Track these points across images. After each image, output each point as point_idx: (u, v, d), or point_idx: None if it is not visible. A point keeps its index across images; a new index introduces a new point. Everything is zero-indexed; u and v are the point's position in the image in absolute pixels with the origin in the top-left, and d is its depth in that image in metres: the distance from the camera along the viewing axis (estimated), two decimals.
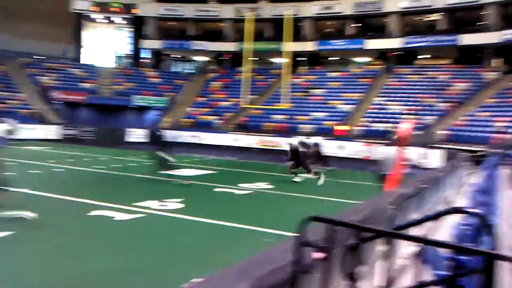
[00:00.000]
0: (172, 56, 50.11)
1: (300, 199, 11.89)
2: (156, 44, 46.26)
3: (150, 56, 47.98)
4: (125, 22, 47.69)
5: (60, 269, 5.65)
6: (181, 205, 9.91)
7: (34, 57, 41.03)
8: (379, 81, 36.87)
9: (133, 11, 46.06)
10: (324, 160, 17.08)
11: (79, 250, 6.50)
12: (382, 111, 32.56)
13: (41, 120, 32.60)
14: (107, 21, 47.72)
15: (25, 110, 32.59)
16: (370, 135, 28.83)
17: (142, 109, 38.61)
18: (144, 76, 42.95)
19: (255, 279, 1.91)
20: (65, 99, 36.18)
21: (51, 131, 31.15)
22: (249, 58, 34.29)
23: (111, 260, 6.12)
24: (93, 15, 46.88)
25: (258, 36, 37.62)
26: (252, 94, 35.88)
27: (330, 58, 44.17)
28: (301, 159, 15.27)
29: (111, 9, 46.24)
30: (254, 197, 11.99)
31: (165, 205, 9.75)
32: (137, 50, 47.62)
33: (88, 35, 47.85)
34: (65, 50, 46.85)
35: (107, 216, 8.55)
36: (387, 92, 35.01)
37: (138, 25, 46.85)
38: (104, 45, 48.30)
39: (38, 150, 22.62)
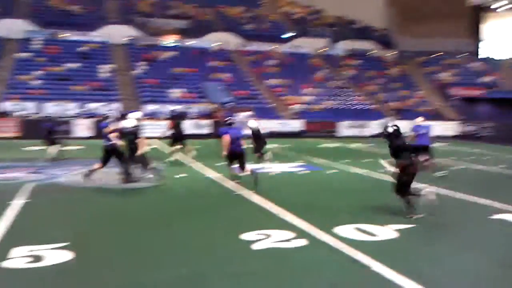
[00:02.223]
0: None
1: None
2: None
3: None
4: None
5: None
6: None
7: (432, 55, 42.09)
8: None
9: None
10: None
11: (461, 257, 6.15)
12: None
13: (437, 116, 33.17)
14: (510, 7, 44.13)
15: (423, 108, 33.85)
16: None
17: None
18: None
19: None
20: (462, 94, 35.77)
21: (449, 128, 31.36)
22: None
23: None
24: (493, 5, 44.28)
25: None
26: None
27: None
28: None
29: None
30: None
31: None
32: None
33: (487, 26, 45.55)
34: (463, 45, 46.11)
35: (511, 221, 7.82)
36: None
37: None
38: (507, 35, 44.79)
39: (438, 146, 22.93)
